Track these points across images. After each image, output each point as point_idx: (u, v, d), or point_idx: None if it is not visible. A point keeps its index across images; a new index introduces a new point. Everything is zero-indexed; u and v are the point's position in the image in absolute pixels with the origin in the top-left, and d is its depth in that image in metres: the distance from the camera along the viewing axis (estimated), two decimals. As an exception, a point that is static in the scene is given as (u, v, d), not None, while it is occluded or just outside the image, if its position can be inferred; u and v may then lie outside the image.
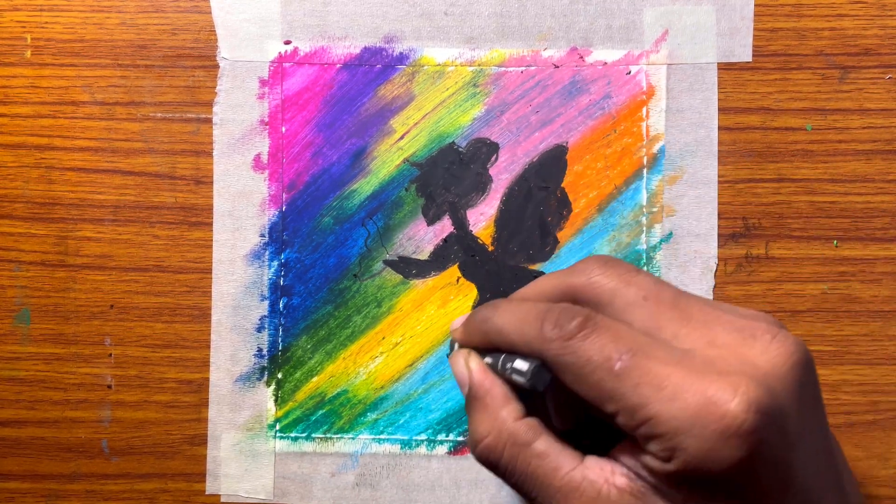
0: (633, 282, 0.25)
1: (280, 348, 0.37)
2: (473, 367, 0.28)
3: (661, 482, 0.23)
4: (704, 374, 0.22)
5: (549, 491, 0.25)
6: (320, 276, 0.37)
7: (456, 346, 0.30)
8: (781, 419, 0.22)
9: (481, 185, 0.37)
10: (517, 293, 0.29)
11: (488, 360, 0.28)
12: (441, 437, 0.37)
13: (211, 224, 0.37)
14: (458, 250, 0.37)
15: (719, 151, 0.37)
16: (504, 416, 0.26)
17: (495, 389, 0.27)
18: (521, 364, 0.26)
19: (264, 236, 0.37)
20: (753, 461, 0.21)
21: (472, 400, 0.27)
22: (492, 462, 0.26)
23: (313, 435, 0.37)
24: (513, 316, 0.26)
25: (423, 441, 0.37)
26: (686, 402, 0.21)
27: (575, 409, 0.29)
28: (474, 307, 0.37)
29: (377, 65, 0.37)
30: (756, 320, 0.24)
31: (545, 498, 0.25)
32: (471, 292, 0.37)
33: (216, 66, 0.37)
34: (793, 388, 0.22)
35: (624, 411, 0.23)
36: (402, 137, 0.37)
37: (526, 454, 0.25)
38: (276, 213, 0.37)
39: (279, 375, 0.37)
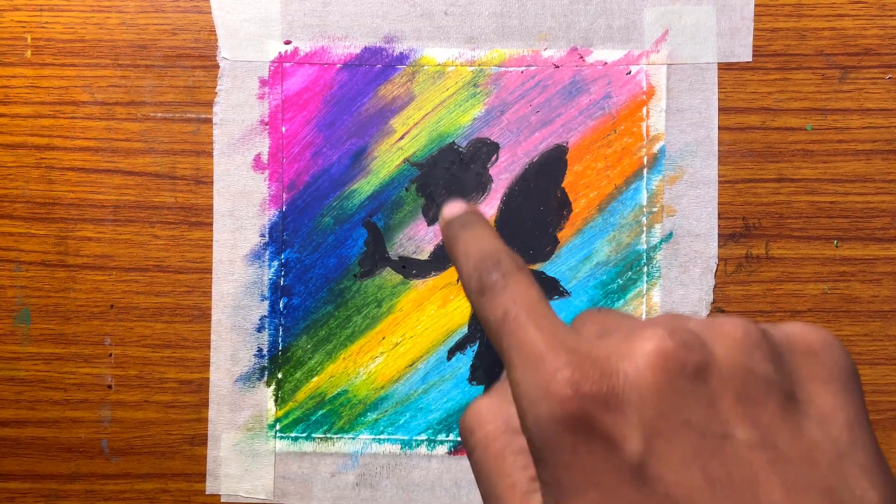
0: None
1: (280, 348, 0.37)
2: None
3: (518, 448, 0.22)
4: (570, 346, 0.20)
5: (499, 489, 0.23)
6: (320, 276, 0.37)
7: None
8: (615, 404, 0.19)
9: (481, 185, 0.37)
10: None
11: None
12: (441, 437, 0.37)
13: (211, 224, 0.37)
14: (458, 250, 0.37)
15: (719, 151, 0.37)
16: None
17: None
18: None
19: (264, 236, 0.37)
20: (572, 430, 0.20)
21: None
22: (481, 436, 0.22)
23: (313, 435, 0.37)
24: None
25: (423, 441, 0.37)
26: (539, 371, 0.20)
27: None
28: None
29: (377, 65, 0.37)
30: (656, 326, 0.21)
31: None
32: (471, 292, 0.37)
33: (216, 66, 0.37)
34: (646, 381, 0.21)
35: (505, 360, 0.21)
36: (402, 137, 0.37)
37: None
38: (277, 213, 0.37)
39: (279, 375, 0.37)
